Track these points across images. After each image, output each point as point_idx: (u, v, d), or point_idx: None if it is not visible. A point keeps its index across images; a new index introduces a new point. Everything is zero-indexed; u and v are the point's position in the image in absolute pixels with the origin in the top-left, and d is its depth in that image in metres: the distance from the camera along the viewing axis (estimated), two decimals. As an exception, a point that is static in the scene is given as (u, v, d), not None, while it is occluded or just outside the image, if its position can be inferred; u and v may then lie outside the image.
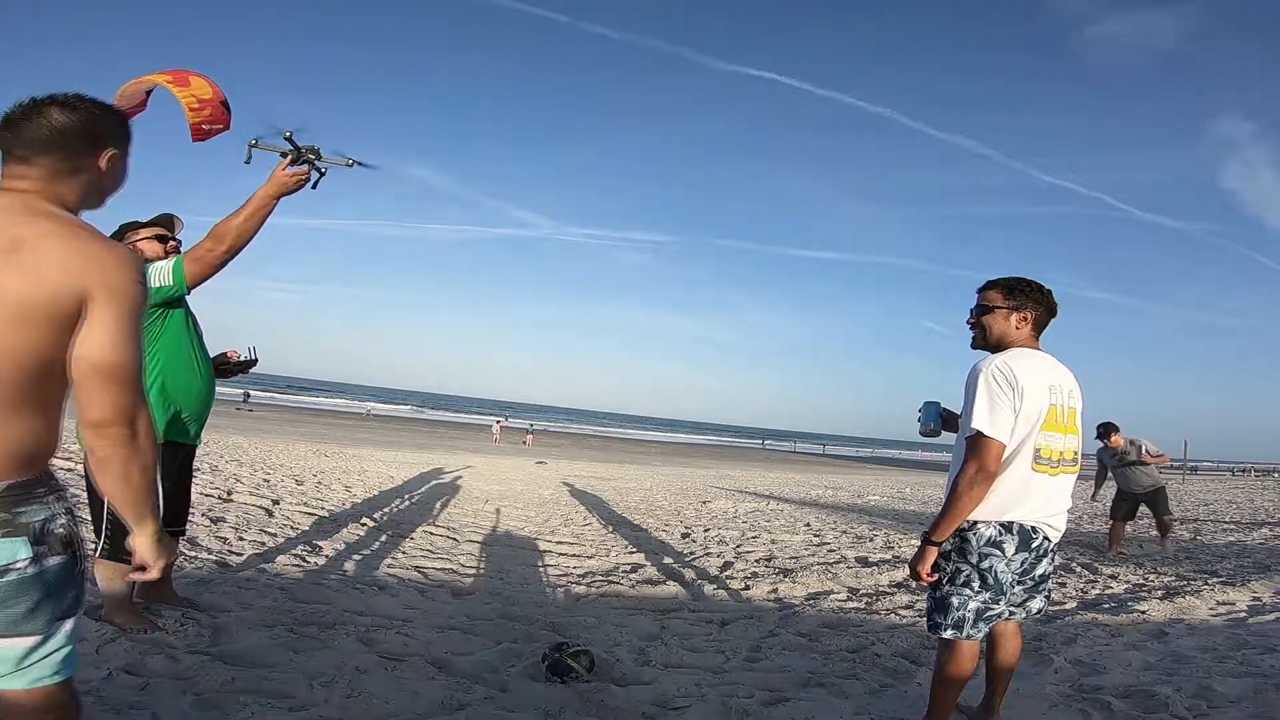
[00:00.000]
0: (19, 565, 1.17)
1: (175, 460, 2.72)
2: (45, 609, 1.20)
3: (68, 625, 1.24)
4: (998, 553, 2.07)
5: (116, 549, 2.57)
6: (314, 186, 2.64)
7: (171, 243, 2.75)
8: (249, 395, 38.25)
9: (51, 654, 1.22)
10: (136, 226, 2.75)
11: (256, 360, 3.08)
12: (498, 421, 37.60)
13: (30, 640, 1.19)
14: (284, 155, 2.57)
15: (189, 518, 4.90)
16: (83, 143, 1.27)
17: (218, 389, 2.93)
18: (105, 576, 2.62)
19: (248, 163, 2.58)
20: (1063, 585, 4.83)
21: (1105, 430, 6.86)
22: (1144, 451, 6.76)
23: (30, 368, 1.15)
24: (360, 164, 2.67)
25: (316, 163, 2.59)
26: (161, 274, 2.51)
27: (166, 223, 2.77)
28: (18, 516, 1.17)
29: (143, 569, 1.30)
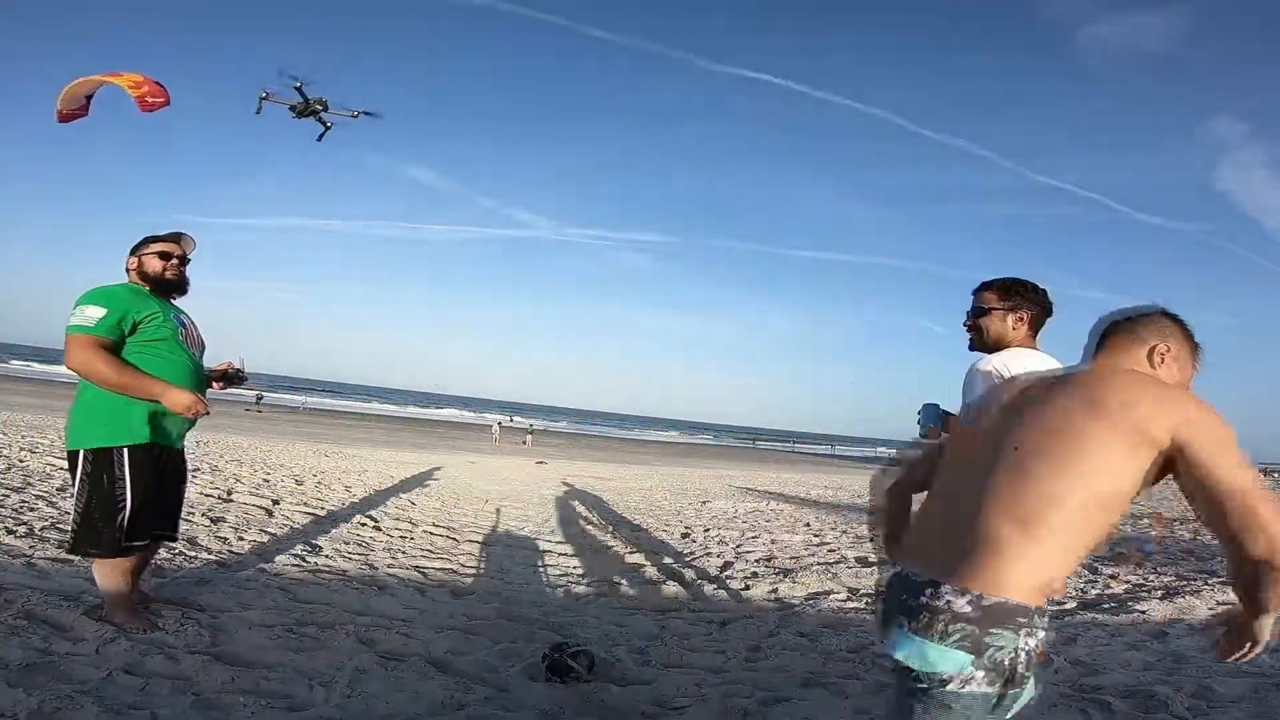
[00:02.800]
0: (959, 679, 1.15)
1: (159, 461, 2.70)
2: None
3: None
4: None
5: (82, 542, 2.59)
6: (319, 139, 2.72)
7: (174, 260, 2.78)
8: (262, 396, 38.18)
9: None
10: (150, 241, 2.81)
11: (244, 375, 3.03)
12: (498, 422, 37.38)
13: None
14: (292, 108, 2.63)
15: (187, 519, 4.90)
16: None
17: (231, 392, 2.93)
18: (103, 575, 2.62)
19: (258, 113, 2.65)
20: (1063, 585, 4.82)
21: None
22: None
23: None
24: (365, 114, 2.74)
25: (323, 115, 2.65)
26: (84, 315, 2.56)
27: (172, 239, 2.82)
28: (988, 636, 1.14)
29: None
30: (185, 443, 2.91)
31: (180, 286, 2.82)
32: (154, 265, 2.74)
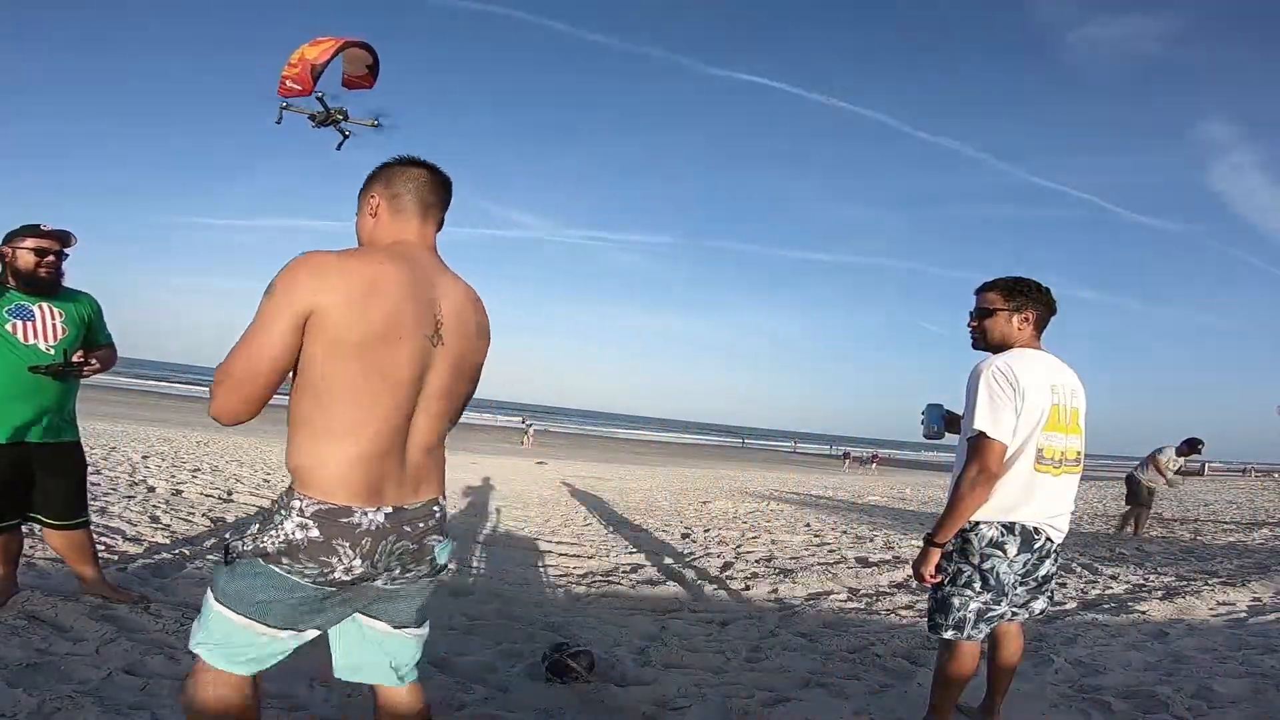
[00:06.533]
0: (450, 565, 1.44)
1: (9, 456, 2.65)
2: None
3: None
4: (1000, 554, 2.07)
5: None
6: (339, 148, 2.63)
7: (49, 257, 2.66)
8: None
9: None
10: (28, 233, 2.66)
11: (74, 366, 2.77)
12: (525, 419, 35.98)
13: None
14: (312, 117, 2.56)
15: (187, 519, 4.89)
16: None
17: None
18: None
19: (279, 123, 2.57)
20: (1063, 585, 4.83)
21: (1201, 445, 8.14)
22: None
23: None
24: (384, 121, 2.66)
25: (343, 125, 2.58)
26: None
27: (55, 237, 2.70)
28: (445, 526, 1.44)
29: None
30: (72, 435, 2.82)
31: (51, 286, 2.69)
32: (26, 260, 2.63)
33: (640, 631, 3.49)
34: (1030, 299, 2.18)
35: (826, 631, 3.63)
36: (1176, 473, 8.13)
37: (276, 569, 1.25)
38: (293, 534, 1.24)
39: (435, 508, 1.38)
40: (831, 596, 4.46)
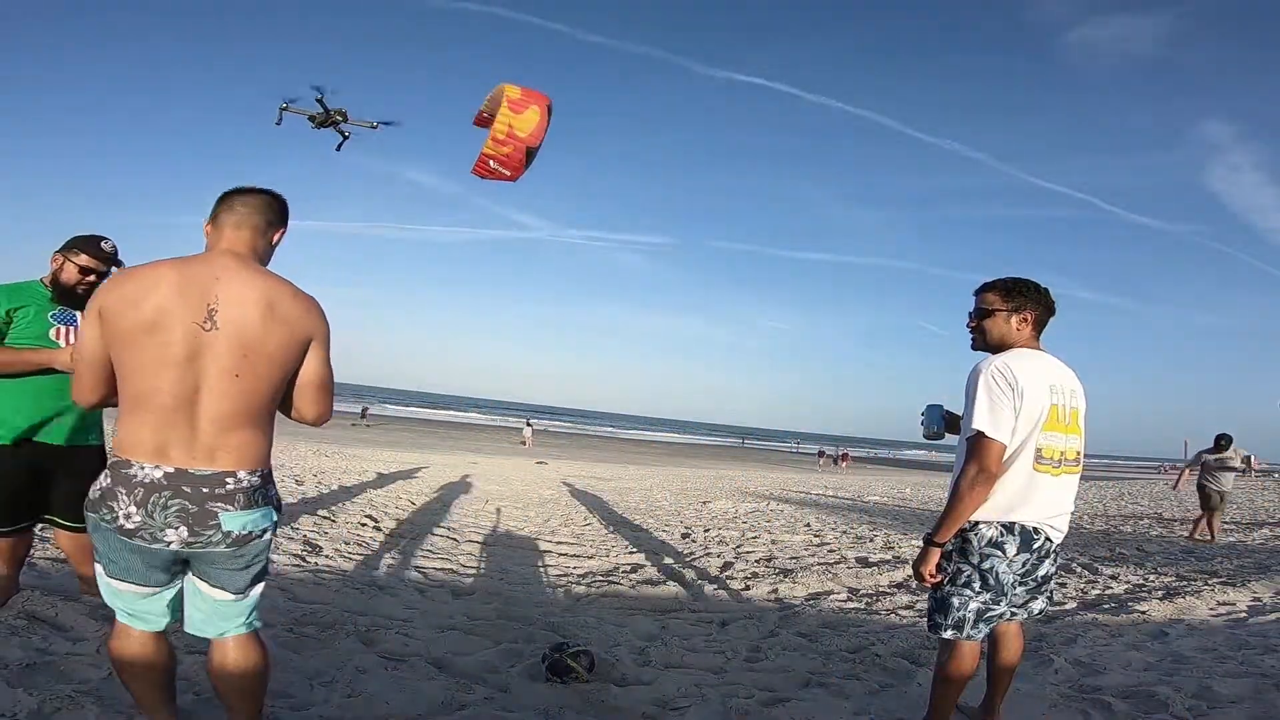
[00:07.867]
0: (268, 530, 1.63)
1: (16, 456, 2.61)
2: (258, 571, 1.67)
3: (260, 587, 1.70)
4: (999, 553, 2.07)
5: None
6: (338, 149, 2.59)
7: (91, 277, 2.62)
8: (367, 410, 36.97)
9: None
10: (83, 250, 2.64)
11: None
12: (526, 421, 35.84)
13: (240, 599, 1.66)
14: (312, 118, 2.52)
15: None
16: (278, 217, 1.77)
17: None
18: None
19: (278, 124, 2.54)
20: (1063, 585, 4.83)
21: (1225, 441, 8.27)
22: (1252, 461, 9.00)
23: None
24: (385, 124, 2.59)
25: (342, 125, 2.54)
26: None
27: (102, 258, 2.68)
28: (269, 493, 1.65)
29: None
30: (97, 439, 2.78)
31: (83, 303, 2.58)
32: (70, 275, 2.61)
33: (640, 631, 3.49)
34: (1029, 299, 2.18)
35: (826, 631, 3.63)
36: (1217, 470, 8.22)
37: (98, 519, 1.52)
38: (102, 483, 1.54)
39: (229, 479, 1.55)
40: (831, 596, 4.46)
